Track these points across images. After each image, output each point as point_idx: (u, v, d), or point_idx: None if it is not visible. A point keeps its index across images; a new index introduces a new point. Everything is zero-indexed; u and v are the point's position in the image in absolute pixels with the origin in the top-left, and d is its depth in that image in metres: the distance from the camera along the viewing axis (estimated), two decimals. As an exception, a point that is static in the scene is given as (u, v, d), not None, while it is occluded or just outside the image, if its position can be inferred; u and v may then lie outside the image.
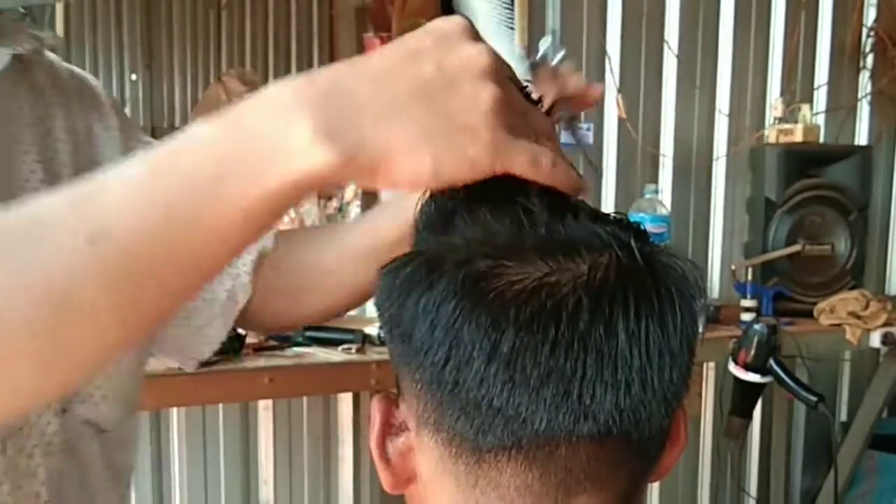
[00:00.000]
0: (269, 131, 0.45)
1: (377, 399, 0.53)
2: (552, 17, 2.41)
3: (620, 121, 2.47)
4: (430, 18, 0.49)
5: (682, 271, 0.49)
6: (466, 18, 0.48)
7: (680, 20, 2.54)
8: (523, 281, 0.46)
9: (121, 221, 0.45)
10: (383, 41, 2.63)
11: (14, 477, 0.71)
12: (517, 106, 0.48)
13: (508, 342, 0.45)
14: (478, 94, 0.45)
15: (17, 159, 0.74)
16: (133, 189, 0.46)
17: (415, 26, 0.47)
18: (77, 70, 0.84)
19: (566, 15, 2.41)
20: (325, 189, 0.48)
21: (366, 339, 1.81)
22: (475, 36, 0.48)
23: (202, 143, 0.46)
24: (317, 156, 0.44)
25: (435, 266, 0.47)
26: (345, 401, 2.12)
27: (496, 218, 0.48)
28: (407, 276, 0.49)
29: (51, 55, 0.82)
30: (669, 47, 2.53)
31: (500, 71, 0.47)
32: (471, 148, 0.45)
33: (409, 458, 0.52)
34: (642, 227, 0.50)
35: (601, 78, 2.46)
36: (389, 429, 0.53)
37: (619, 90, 2.45)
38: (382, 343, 1.73)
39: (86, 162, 0.77)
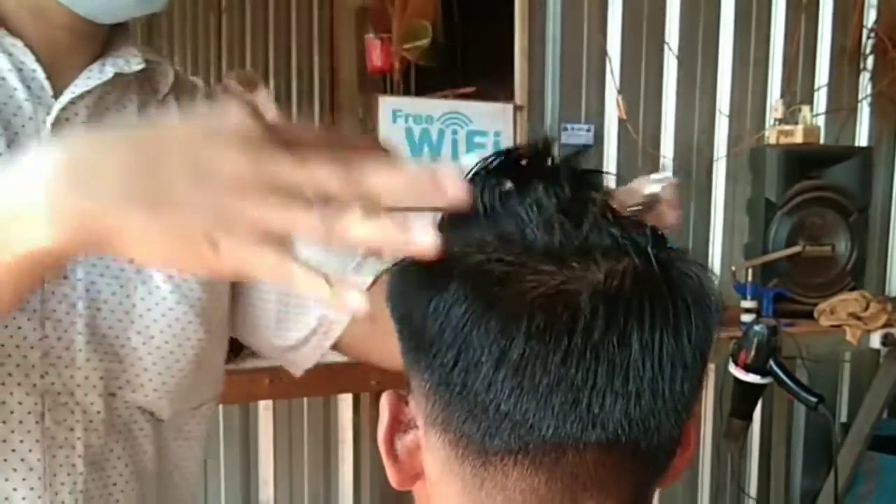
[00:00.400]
0: (13, 207, 0.50)
1: (386, 395, 0.53)
2: (552, 18, 2.41)
3: (621, 121, 2.47)
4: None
5: (699, 279, 0.48)
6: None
7: (680, 21, 2.54)
8: (537, 288, 0.45)
9: None
10: (384, 42, 2.63)
11: (49, 446, 0.75)
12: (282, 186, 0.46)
13: (518, 349, 0.45)
14: (215, 200, 0.46)
15: None
16: None
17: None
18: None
19: (567, 16, 2.41)
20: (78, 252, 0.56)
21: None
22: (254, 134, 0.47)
23: None
24: (43, 234, 0.49)
25: (447, 268, 0.47)
26: (345, 402, 2.11)
27: (510, 219, 0.48)
28: (419, 277, 0.48)
29: (194, 79, 0.88)
30: (670, 48, 2.53)
31: (255, 172, 0.46)
32: (204, 245, 0.46)
33: (417, 456, 0.52)
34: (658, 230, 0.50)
35: (601, 79, 2.46)
36: (398, 425, 0.53)
37: (620, 91, 2.45)
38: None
39: None
